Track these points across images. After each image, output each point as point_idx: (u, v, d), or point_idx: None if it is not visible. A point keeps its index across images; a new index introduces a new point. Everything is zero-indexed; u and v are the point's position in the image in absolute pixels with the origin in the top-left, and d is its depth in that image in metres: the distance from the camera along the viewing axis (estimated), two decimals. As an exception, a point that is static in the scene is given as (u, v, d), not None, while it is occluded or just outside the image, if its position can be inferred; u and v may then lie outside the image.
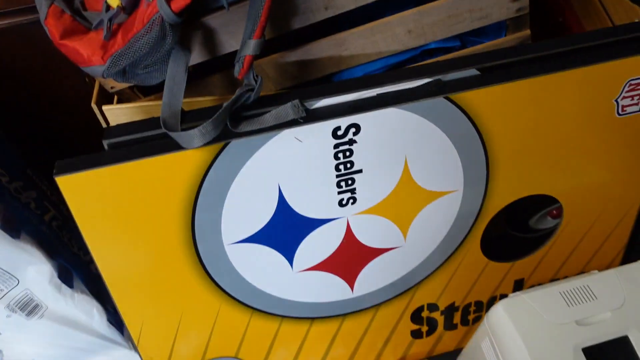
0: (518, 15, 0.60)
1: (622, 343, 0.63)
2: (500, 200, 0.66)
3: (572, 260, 0.77)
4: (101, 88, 0.64)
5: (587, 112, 0.61)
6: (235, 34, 0.56)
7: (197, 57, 0.58)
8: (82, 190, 0.53)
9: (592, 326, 0.63)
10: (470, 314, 0.80)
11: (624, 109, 0.62)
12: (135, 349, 0.70)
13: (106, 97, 0.65)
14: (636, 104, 0.62)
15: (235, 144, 0.54)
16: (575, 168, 0.66)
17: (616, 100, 0.61)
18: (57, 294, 0.66)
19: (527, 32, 0.61)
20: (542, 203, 0.73)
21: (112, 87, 0.63)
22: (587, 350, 0.62)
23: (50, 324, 0.67)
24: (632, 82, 0.60)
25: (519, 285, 0.78)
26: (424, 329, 0.79)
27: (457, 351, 0.83)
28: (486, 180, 0.64)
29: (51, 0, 0.54)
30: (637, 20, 0.70)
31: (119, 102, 0.65)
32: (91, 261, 0.61)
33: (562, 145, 0.63)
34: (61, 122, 0.73)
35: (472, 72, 0.57)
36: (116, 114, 0.62)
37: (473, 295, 0.77)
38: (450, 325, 0.81)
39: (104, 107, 0.62)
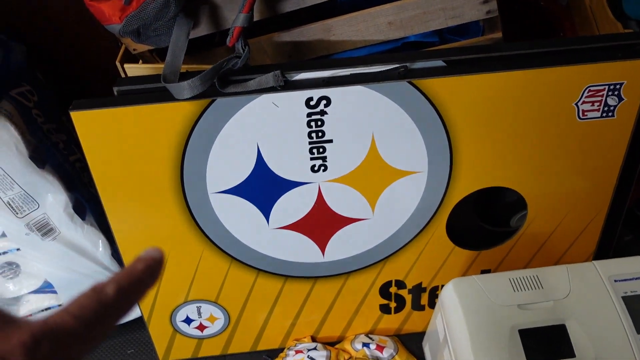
0: (490, 17, 0.66)
1: (559, 330, 0.67)
2: (464, 186, 0.72)
3: (538, 258, 0.81)
4: (126, 50, 0.74)
5: (548, 113, 0.66)
6: (236, 10, 0.65)
7: (204, 29, 0.68)
8: (91, 126, 0.63)
9: (532, 311, 0.68)
10: (437, 297, 0.85)
11: (585, 113, 0.67)
12: (131, 282, 0.79)
13: (131, 59, 0.75)
14: (597, 110, 0.67)
15: (220, 101, 0.63)
16: (538, 166, 0.71)
17: (576, 104, 0.66)
18: (70, 222, 0.77)
19: (499, 34, 0.67)
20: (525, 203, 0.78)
21: (134, 50, 0.73)
22: (523, 332, 0.67)
23: (61, 248, 0.78)
24: (592, 88, 0.65)
25: (485, 276, 0.83)
26: (392, 305, 0.85)
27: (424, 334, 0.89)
28: (450, 165, 0.70)
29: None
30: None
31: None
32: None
33: (523, 141, 0.68)
34: (94, 78, 0.84)
35: (439, 63, 0.64)
36: (135, 71, 0.73)
37: (440, 279, 0.82)
38: (417, 306, 0.86)
39: (126, 65, 0.73)
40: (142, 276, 0.27)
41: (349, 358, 0.86)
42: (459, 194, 0.73)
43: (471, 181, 0.72)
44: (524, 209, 0.84)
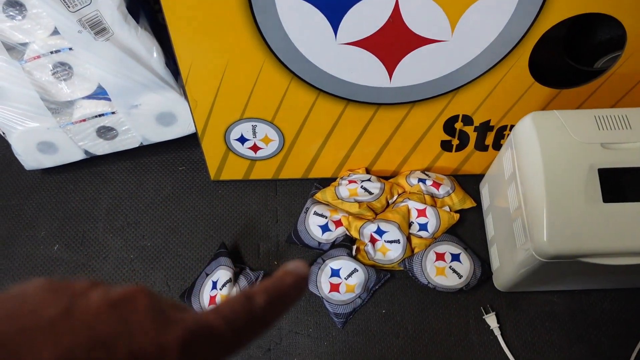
0: None
1: (642, 173, 0.62)
2: (561, 9, 0.63)
3: (624, 103, 0.74)
4: None
5: None
6: None
7: None
8: None
9: (616, 151, 0.63)
10: (503, 137, 0.80)
11: None
12: (185, 95, 0.76)
13: None
14: None
15: None
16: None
17: None
18: (123, 22, 0.72)
19: None
20: (616, 44, 0.69)
21: None
22: (603, 171, 0.62)
23: (114, 50, 0.74)
24: None
25: (561, 119, 0.77)
26: (455, 142, 0.81)
27: (482, 177, 0.85)
28: (550, -19, 0.61)
29: None
30: None
31: None
32: (159, 10, 0.65)
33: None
34: None
35: None
36: None
37: (510, 118, 0.77)
38: (481, 146, 0.82)
39: None
40: (290, 291, 0.26)
41: (403, 192, 0.84)
42: (552, 18, 0.64)
43: (569, 3, 0.63)
44: (613, 51, 0.76)
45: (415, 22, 0.65)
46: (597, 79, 0.72)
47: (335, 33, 0.67)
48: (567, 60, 0.77)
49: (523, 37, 0.66)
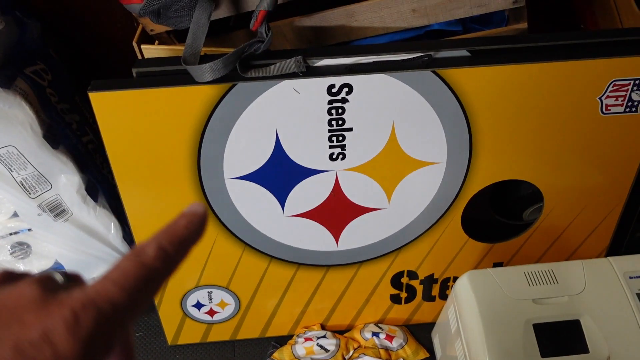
0: (516, 7, 0.65)
1: (573, 325, 0.67)
2: (482, 179, 0.71)
3: (551, 253, 0.81)
4: (143, 31, 0.73)
5: (571, 107, 0.66)
6: (258, -7, 0.64)
7: (224, 11, 0.67)
8: (109, 107, 0.62)
9: (547, 306, 0.68)
10: (448, 288, 0.85)
11: (608, 108, 0.66)
12: (142, 265, 0.79)
13: (148, 40, 0.74)
14: (620, 105, 0.66)
15: (241, 86, 0.62)
16: (557, 160, 0.70)
17: (600, 99, 0.65)
18: (82, 204, 0.76)
19: (525, 25, 0.66)
20: (539, 196, 0.77)
21: (151, 30, 0.72)
22: (537, 326, 0.66)
23: (73, 229, 0.77)
24: (617, 82, 0.64)
25: (497, 268, 0.83)
26: (403, 295, 0.85)
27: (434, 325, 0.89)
28: (469, 156, 0.69)
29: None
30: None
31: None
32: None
33: (544, 134, 0.68)
34: (109, 58, 0.83)
35: (463, 52, 0.63)
36: (152, 53, 0.72)
37: (452, 271, 0.82)
38: (428, 297, 0.86)
39: (143, 46, 0.72)
40: (185, 233, 0.25)
41: (358, 347, 0.86)
42: (476, 186, 0.72)
43: (489, 173, 0.71)
44: (537, 202, 0.84)
45: (355, 195, 0.72)
46: (524, 232, 0.79)
47: (283, 207, 0.72)
48: (495, 216, 0.85)
49: (453, 202, 0.74)
